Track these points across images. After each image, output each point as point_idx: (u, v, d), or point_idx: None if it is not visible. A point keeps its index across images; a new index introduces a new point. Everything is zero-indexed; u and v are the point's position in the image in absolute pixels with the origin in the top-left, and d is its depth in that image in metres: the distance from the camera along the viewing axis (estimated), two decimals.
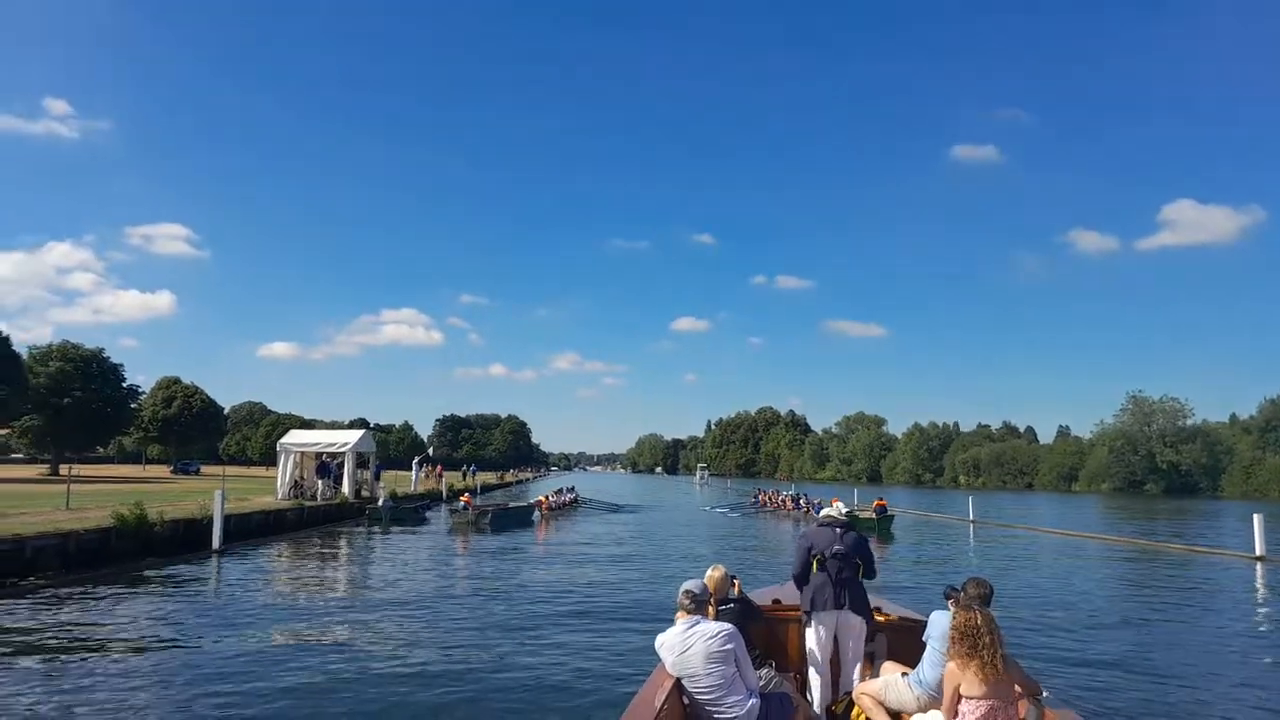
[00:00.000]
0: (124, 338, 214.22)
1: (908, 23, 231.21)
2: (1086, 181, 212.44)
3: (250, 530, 23.35)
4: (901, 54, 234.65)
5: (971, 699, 4.48)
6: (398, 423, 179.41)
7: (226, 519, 21.88)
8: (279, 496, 31.18)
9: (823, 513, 7.05)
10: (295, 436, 34.81)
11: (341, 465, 33.78)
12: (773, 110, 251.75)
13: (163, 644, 10.51)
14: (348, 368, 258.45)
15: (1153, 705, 8.68)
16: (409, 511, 31.88)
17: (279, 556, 20.51)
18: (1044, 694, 4.77)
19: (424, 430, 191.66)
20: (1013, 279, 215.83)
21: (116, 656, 9.80)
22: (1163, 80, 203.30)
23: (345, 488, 33.10)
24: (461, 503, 30.66)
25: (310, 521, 27.78)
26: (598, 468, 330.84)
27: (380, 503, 31.18)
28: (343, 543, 24.29)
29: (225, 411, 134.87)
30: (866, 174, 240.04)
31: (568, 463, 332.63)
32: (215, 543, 19.76)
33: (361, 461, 36.32)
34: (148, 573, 16.31)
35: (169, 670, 9.23)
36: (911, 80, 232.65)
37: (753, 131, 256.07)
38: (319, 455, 33.62)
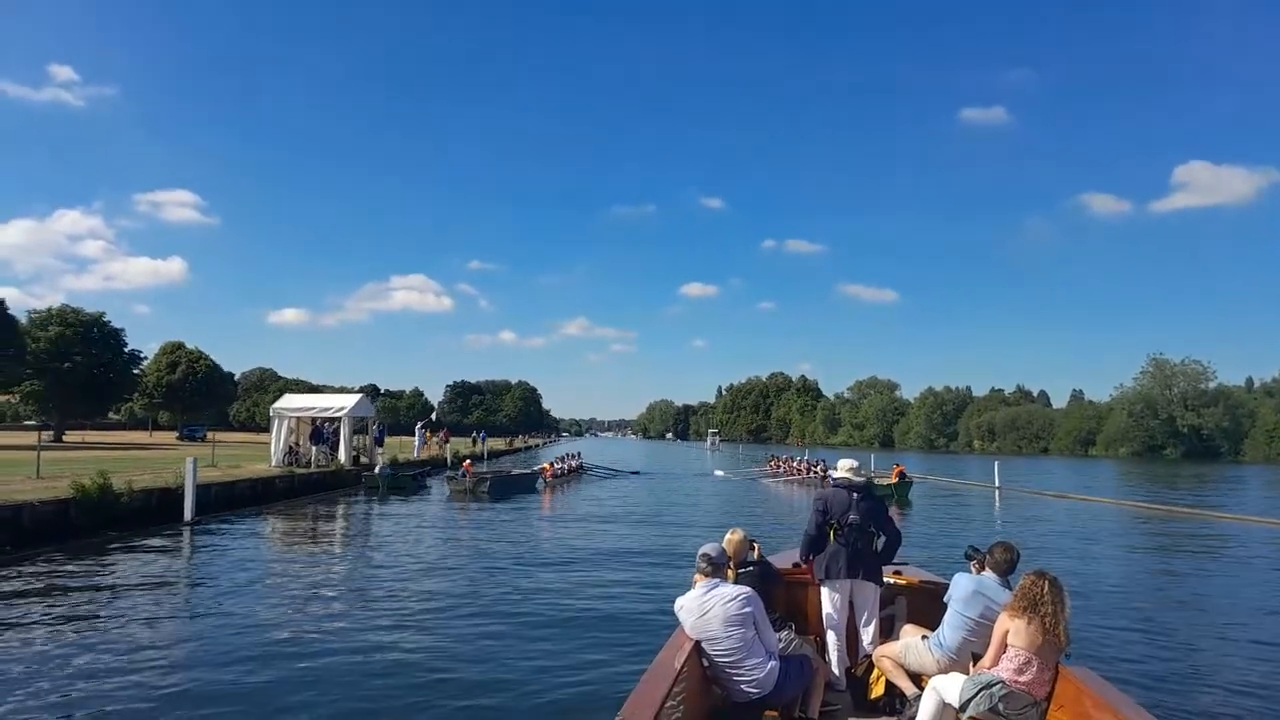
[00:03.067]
0: (136, 304, 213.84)
1: None
2: (1097, 143, 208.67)
3: (235, 499, 21.97)
4: (909, 14, 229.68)
5: (1014, 648, 4.60)
6: (408, 389, 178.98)
7: (207, 488, 20.62)
8: (273, 463, 29.90)
9: (837, 475, 6.76)
10: (289, 401, 33.44)
11: (337, 431, 32.45)
12: (780, 72, 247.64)
13: (96, 625, 9.14)
14: (358, 334, 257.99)
15: (1195, 676, 8.26)
16: (408, 479, 30.52)
17: (259, 528, 19.10)
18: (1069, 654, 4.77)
19: (435, 396, 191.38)
20: (1025, 242, 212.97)
21: (42, 638, 8.53)
22: (1171, 39, 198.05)
23: (341, 454, 31.77)
24: (461, 470, 29.29)
25: (302, 490, 26.40)
26: (608, 433, 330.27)
27: (377, 470, 29.83)
28: (333, 513, 22.95)
29: (235, 377, 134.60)
30: (875, 136, 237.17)
31: (579, 429, 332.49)
32: (187, 514, 18.31)
33: (359, 427, 34.99)
34: (109, 548, 14.91)
35: (96, 659, 7.85)
36: (919, 40, 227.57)
37: (760, 94, 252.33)
38: (314, 420, 32.30)
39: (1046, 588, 4.60)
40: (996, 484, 35.17)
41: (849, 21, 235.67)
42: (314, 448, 31.04)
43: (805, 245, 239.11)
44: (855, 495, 6.41)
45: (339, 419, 32.10)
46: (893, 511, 25.32)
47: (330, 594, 11.66)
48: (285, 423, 31.27)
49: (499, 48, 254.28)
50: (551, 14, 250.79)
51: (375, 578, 12.98)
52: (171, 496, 18.70)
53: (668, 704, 3.98)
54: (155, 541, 15.97)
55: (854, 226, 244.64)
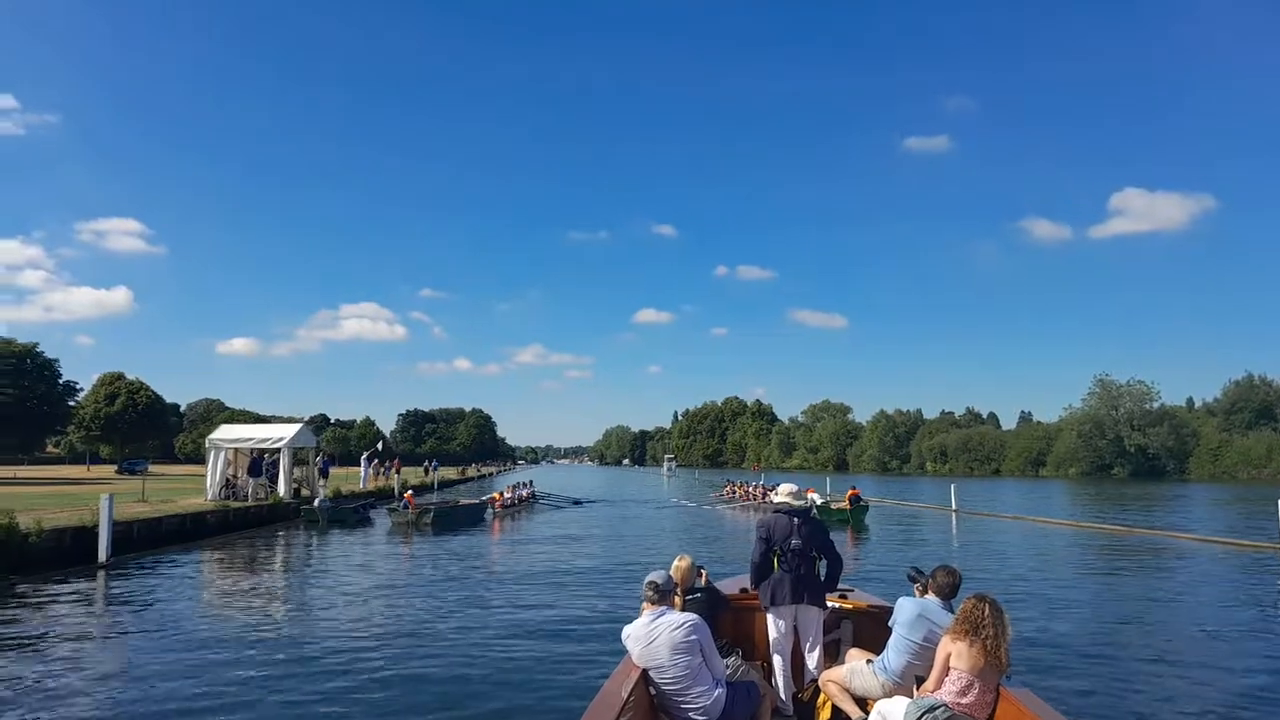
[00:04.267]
0: (79, 335, 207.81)
1: (858, 13, 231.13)
2: (1038, 170, 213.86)
3: (160, 538, 20.72)
4: (852, 45, 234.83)
5: (956, 670, 4.62)
6: (360, 419, 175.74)
7: (129, 526, 19.49)
8: (209, 497, 28.57)
9: (777, 499, 6.74)
10: (226, 432, 32.06)
11: (277, 463, 31.18)
12: (728, 102, 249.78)
13: None
14: (309, 363, 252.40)
15: (1133, 697, 8.23)
16: (349, 512, 29.25)
17: (183, 568, 17.82)
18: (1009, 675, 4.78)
19: (387, 426, 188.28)
20: (971, 267, 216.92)
21: None
22: (1105, 68, 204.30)
23: (281, 487, 30.51)
24: (403, 501, 28.18)
25: (237, 525, 25.14)
26: (565, 460, 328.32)
27: (316, 503, 28.57)
28: (266, 549, 21.76)
29: (182, 409, 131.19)
30: (823, 165, 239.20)
31: (535, 456, 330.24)
32: (101, 555, 17.14)
33: (301, 458, 33.75)
34: (11, 593, 13.73)
35: None
36: (863, 70, 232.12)
37: (709, 124, 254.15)
38: (252, 452, 30.99)
39: (988, 611, 4.65)
40: (954, 506, 34.89)
41: (795, 53, 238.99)
42: (251, 480, 29.72)
43: (757, 271, 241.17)
44: (797, 520, 6.36)
45: (278, 450, 30.89)
46: (848, 536, 25.15)
47: (247, 638, 10.73)
48: (222, 454, 29.96)
49: (448, 75, 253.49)
50: (500, 41, 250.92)
51: (299, 619, 12.12)
52: (86, 536, 17.48)
53: None
54: (63, 586, 14.80)
55: (804, 253, 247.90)
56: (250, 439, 31.48)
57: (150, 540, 20.22)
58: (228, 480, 29.87)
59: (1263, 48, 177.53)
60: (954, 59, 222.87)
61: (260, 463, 30.41)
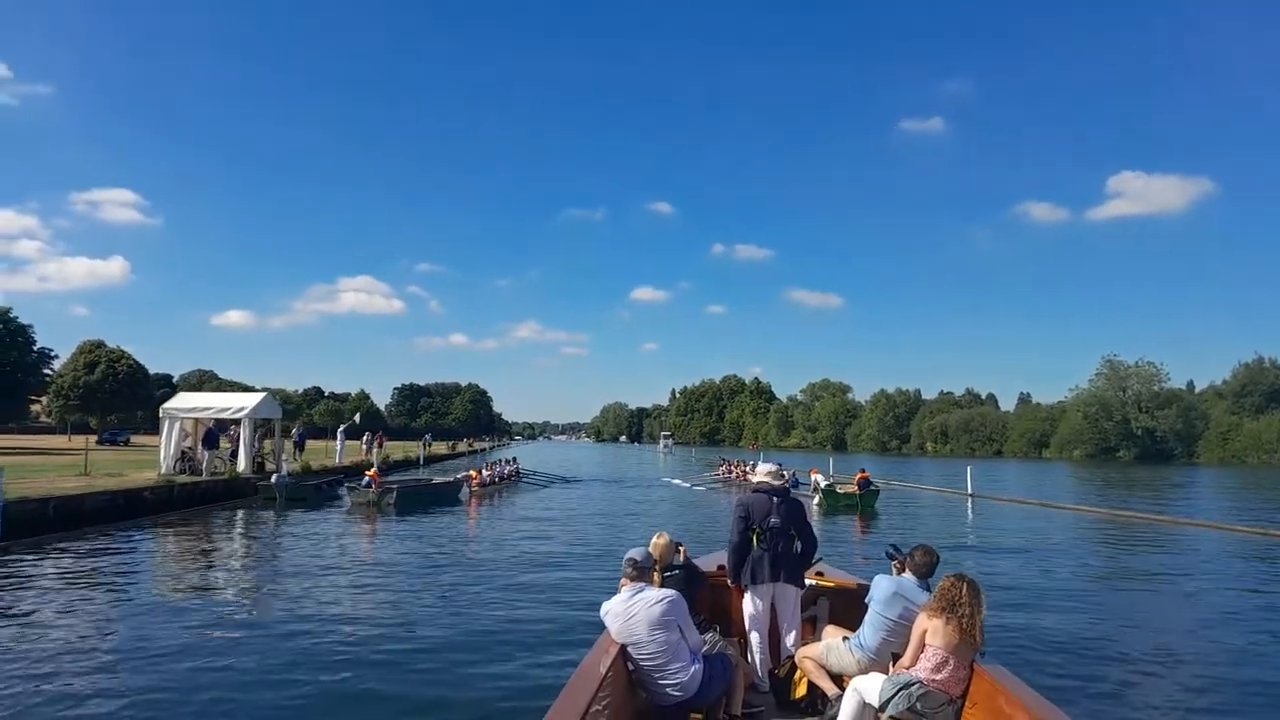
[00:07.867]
0: (75, 306, 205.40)
1: None
2: (1034, 152, 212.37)
3: (82, 517, 18.30)
4: (849, 26, 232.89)
5: (932, 647, 4.70)
6: (354, 392, 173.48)
7: (43, 504, 17.15)
8: (162, 470, 26.21)
9: (757, 478, 6.83)
10: (183, 400, 29.61)
11: (237, 435, 28.81)
12: (726, 81, 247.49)
13: None
14: (306, 337, 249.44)
15: (1112, 676, 8.32)
16: (310, 489, 26.73)
17: (90, 554, 15.20)
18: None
19: (383, 399, 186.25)
20: (967, 249, 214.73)
21: None
22: (1105, 49, 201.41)
23: (241, 461, 28.14)
24: (366, 478, 25.74)
25: (181, 502, 22.68)
26: (562, 436, 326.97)
27: (275, 479, 26.09)
28: (202, 531, 19.31)
29: (175, 380, 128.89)
30: (820, 145, 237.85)
31: (532, 432, 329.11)
32: None
33: (267, 430, 31.43)
34: None
35: None
36: (859, 52, 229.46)
37: (707, 102, 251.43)
38: (212, 422, 28.57)
39: (965, 589, 4.71)
40: (969, 490, 32.48)
41: (791, 33, 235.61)
42: (207, 453, 27.27)
43: (754, 250, 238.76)
44: (776, 499, 6.40)
45: (239, 420, 28.50)
46: (857, 523, 22.88)
47: (130, 639, 8.81)
48: (178, 425, 27.57)
49: (447, 51, 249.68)
50: (499, 20, 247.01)
51: (199, 618, 9.96)
52: None
53: (593, 709, 3.94)
54: None
55: (801, 233, 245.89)
56: (208, 408, 29.00)
57: (70, 520, 17.82)
58: (184, 453, 27.52)
59: (1260, 32, 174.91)
60: (950, 41, 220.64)
61: (216, 434, 28.02)
